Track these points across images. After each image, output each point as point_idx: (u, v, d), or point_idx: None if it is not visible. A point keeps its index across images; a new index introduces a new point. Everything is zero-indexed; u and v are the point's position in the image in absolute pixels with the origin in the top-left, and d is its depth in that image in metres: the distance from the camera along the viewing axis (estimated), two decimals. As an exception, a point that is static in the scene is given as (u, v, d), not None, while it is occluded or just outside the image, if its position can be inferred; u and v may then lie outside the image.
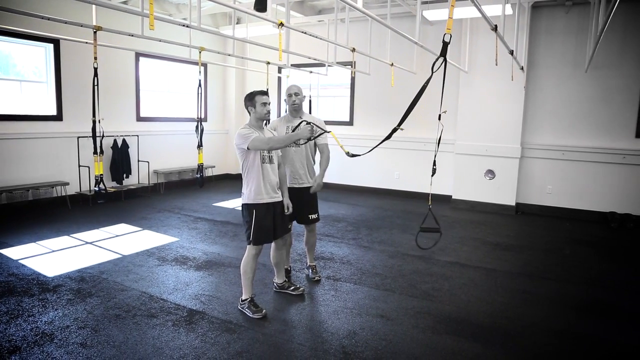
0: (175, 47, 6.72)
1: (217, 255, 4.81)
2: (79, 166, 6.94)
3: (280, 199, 3.49)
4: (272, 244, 3.65)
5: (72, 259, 4.53)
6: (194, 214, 6.70)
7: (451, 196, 8.01)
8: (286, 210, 3.56)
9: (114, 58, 7.36)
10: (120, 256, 4.67)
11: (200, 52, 5.60)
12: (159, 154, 8.29)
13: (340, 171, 9.24)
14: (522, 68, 6.54)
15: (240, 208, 3.52)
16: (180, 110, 8.95)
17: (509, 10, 5.60)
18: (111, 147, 7.29)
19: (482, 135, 7.58)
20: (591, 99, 6.96)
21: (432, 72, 2.45)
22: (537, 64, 7.26)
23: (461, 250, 5.27)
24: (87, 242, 5.11)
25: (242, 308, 3.44)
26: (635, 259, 5.14)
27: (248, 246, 3.40)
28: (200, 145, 5.79)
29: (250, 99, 3.35)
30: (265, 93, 3.37)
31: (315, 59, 6.35)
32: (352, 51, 5.67)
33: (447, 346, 3.03)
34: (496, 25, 4.07)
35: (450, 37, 2.40)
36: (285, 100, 3.97)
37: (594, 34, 5.99)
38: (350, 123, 9.16)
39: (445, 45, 2.43)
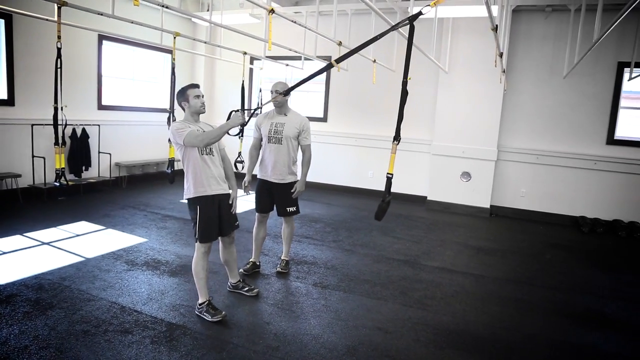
0: (143, 32, 6.20)
1: (191, 259, 4.41)
2: (33, 157, 6.29)
3: (226, 191, 3.31)
4: (220, 243, 3.48)
5: (27, 263, 4.03)
6: (161, 211, 6.24)
7: (426, 197, 7.94)
8: (230, 203, 3.34)
9: (74, 39, 6.72)
10: (83, 259, 4.21)
11: (175, 38, 5.17)
12: (121, 145, 7.72)
13: (312, 169, 8.94)
14: (503, 71, 6.52)
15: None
16: (144, 99, 8.39)
17: (495, 11, 5.53)
18: (69, 137, 6.68)
19: (459, 136, 7.53)
20: (566, 105, 7.05)
21: (393, 29, 2.57)
22: (514, 68, 7.28)
23: (445, 255, 5.15)
24: (43, 243, 4.59)
25: (200, 312, 3.23)
26: (613, 264, 5.19)
27: (196, 244, 3.24)
28: (172, 139, 5.34)
29: (182, 94, 3.22)
30: (196, 86, 3.26)
31: (296, 52, 6.04)
32: (339, 45, 5.41)
33: (453, 362, 2.86)
34: (497, 26, 3.93)
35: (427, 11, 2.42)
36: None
37: (573, 40, 6.04)
38: (324, 119, 8.92)
39: (419, 14, 2.42)
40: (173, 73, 5.19)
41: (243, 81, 6.85)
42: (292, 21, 4.40)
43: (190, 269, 4.08)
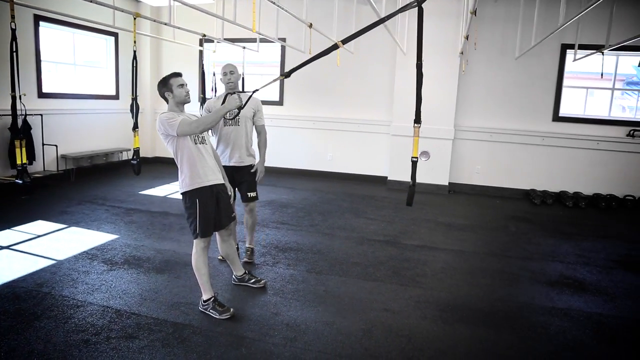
0: (84, 13, 5.67)
1: (173, 253, 4.23)
2: (-31, 152, 5.63)
3: (221, 181, 3.19)
4: (217, 237, 3.34)
5: (-10, 271, 3.63)
6: (123, 204, 5.86)
7: (387, 177, 8.12)
8: (230, 194, 3.28)
9: (6, 20, 6.01)
10: (55, 262, 3.86)
11: (135, 19, 4.78)
12: (67, 136, 7.10)
13: (271, 154, 8.77)
14: (461, 53, 6.75)
15: (178, 197, 3.15)
16: (88, 86, 7.75)
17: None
18: (8, 129, 6.02)
19: (417, 117, 7.70)
20: (516, 85, 7.46)
21: (401, 11, 2.57)
22: (467, 50, 7.54)
23: (421, 233, 5.31)
24: (2, 247, 4.14)
25: (206, 310, 3.09)
26: (570, 233, 5.58)
27: (195, 240, 3.08)
28: (136, 127, 5.01)
29: (165, 84, 3.05)
30: (179, 74, 3.09)
31: (262, 34, 5.82)
32: (309, 27, 5.29)
33: (464, 335, 2.98)
34: (476, 10, 4.03)
35: None
36: (220, 79, 3.86)
37: (523, 23, 6.35)
38: (280, 103, 8.78)
39: None
40: (135, 58, 4.82)
41: (203, 65, 6.52)
42: (272, 2, 4.23)
43: (178, 264, 3.98)
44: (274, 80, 3.10)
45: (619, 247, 5.11)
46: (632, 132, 7.11)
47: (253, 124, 3.99)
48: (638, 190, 7.15)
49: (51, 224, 4.88)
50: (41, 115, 6.51)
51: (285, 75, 3.02)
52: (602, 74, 5.83)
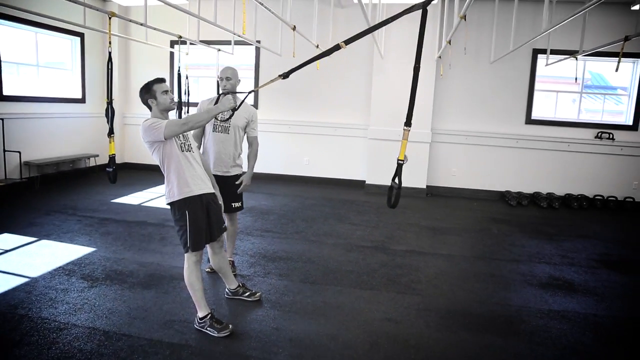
0: (47, 11, 5.34)
1: (157, 266, 4.01)
2: None
3: (211, 190, 3.03)
4: (209, 249, 3.17)
5: (-44, 292, 3.31)
6: (95, 214, 5.54)
7: (365, 181, 8.10)
8: (220, 202, 3.13)
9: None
10: (28, 279, 3.56)
11: (110, 19, 4.51)
12: (30, 142, 6.66)
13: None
14: (439, 57, 6.81)
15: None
16: (52, 89, 7.32)
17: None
18: (-34, 135, 5.60)
19: (395, 120, 7.73)
20: (490, 88, 7.60)
21: (405, 13, 2.35)
22: (443, 54, 7.62)
23: (407, 238, 5.29)
24: (-34, 265, 3.81)
25: (203, 328, 2.92)
26: (550, 233, 5.70)
27: (186, 254, 2.90)
28: (111, 133, 4.72)
29: (148, 91, 2.87)
30: (162, 80, 2.93)
31: (241, 36, 5.65)
32: (293, 29, 5.16)
33: (470, 343, 2.94)
34: (465, 15, 4.04)
35: None
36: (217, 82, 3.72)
37: (498, 27, 6.48)
38: (254, 106, 8.57)
39: None
40: (110, 60, 4.54)
41: (179, 68, 6.27)
42: (260, 3, 4.09)
43: (164, 277, 3.78)
44: (272, 81, 2.96)
45: (597, 246, 5.26)
46: (599, 134, 7.40)
47: (244, 134, 3.80)
48: (606, 190, 7.43)
49: (20, 237, 4.53)
50: (2, 119, 6.07)
51: (284, 75, 2.90)
52: (576, 79, 6.02)
